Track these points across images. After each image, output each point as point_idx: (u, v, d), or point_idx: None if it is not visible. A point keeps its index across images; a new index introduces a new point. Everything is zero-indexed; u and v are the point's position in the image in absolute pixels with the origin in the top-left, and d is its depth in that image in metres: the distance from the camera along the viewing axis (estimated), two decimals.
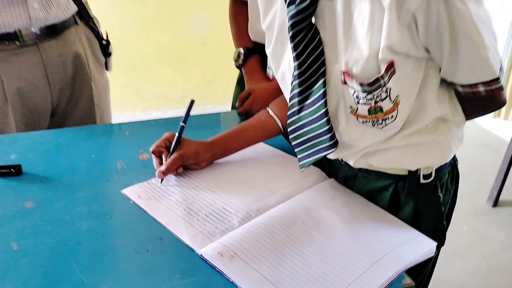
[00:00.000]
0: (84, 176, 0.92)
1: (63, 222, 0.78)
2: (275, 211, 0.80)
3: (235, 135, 0.95)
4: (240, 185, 0.89)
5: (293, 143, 0.80)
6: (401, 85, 0.68)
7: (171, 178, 0.91)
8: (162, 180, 0.89)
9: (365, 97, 0.69)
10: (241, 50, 1.24)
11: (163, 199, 0.85)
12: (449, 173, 0.86)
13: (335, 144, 0.74)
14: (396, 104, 0.70)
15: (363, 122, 0.73)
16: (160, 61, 2.93)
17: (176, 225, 0.78)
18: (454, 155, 0.87)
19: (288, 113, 0.78)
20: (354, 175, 0.89)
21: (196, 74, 3.02)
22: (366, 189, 0.87)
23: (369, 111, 0.71)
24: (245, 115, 1.19)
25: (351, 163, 0.85)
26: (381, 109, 0.70)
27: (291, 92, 0.77)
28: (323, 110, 0.72)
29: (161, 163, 0.90)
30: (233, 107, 1.39)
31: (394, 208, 0.84)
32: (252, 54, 1.23)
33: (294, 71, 0.74)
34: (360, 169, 0.87)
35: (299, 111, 0.76)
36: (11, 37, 1.08)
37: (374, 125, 0.72)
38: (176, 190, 0.87)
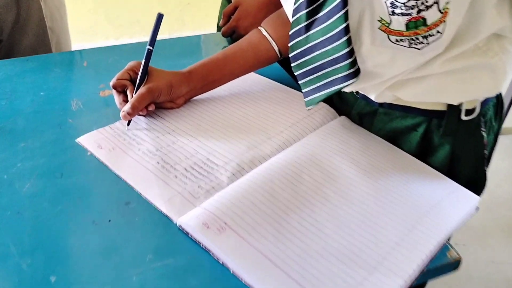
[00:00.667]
0: (29, 120, 0.72)
1: None
2: (274, 162, 0.62)
3: (219, 62, 0.75)
4: (227, 129, 0.70)
5: (296, 73, 0.61)
6: None
7: (140, 120, 0.72)
8: (129, 122, 0.70)
9: (405, 3, 0.48)
10: None
11: (130, 149, 0.66)
12: (494, 106, 0.68)
13: (355, 74, 0.54)
14: (444, 14, 0.49)
15: (396, 41, 0.53)
16: None
17: (146, 185, 0.60)
18: None
19: (291, 32, 0.58)
20: (372, 111, 0.70)
21: None
22: (388, 129, 0.69)
23: (407, 25, 0.50)
24: (230, 35, 0.98)
25: (372, 96, 0.65)
26: (424, 22, 0.50)
27: (296, 2, 0.56)
28: (343, 26, 0.51)
29: (125, 101, 0.70)
30: (219, 28, 1.16)
31: (424, 153, 0.67)
32: None
33: None
34: (381, 104, 0.68)
35: (307, 28, 0.55)
36: None
37: (412, 45, 0.53)
38: (146, 137, 0.68)
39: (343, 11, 0.51)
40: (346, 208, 0.56)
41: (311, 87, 0.60)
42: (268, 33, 0.75)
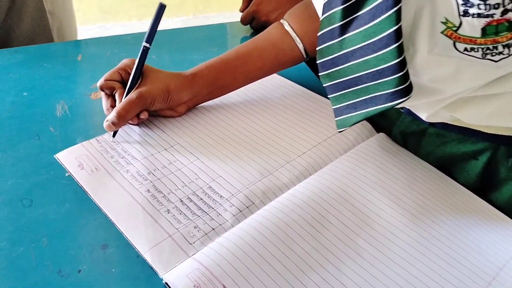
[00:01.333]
0: (5, 128, 0.61)
1: None
2: (292, 197, 0.49)
3: (230, 63, 0.61)
4: (237, 146, 0.57)
5: (325, 85, 0.47)
6: None
7: (132, 130, 0.59)
8: (114, 133, 0.58)
9: (486, 1, 0.33)
10: None
11: (116, 171, 0.53)
12: None
13: (406, 91, 0.40)
14: None
15: (465, 50, 0.38)
16: None
17: (131, 221, 0.47)
18: None
19: (321, 33, 0.44)
20: (420, 130, 0.56)
21: None
22: (440, 154, 0.55)
23: (484, 29, 0.36)
24: (250, 22, 0.85)
25: (422, 115, 0.51)
26: (509, 26, 0.35)
27: None
28: (393, 28, 0.37)
29: (113, 106, 0.58)
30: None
31: (485, 187, 0.53)
32: None
33: None
34: (433, 124, 0.54)
35: (343, 29, 0.41)
36: None
37: (487, 55, 0.38)
38: (138, 154, 0.56)
39: (395, 8, 0.36)
40: (384, 268, 0.43)
41: (345, 104, 0.46)
42: (292, 28, 0.61)
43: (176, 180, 0.52)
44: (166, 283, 0.41)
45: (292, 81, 0.70)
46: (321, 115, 0.62)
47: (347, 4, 0.40)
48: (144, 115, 0.58)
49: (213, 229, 0.46)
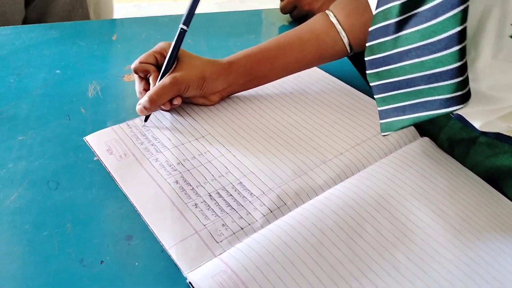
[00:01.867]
0: (36, 106, 0.60)
1: None
2: (327, 200, 0.46)
3: (269, 53, 0.58)
4: (271, 141, 0.54)
5: (373, 84, 0.43)
6: None
7: (164, 117, 0.58)
8: (146, 118, 0.56)
9: None
10: None
11: (146, 158, 0.52)
12: None
13: (464, 98, 0.36)
14: None
15: None
16: None
17: (157, 214, 0.45)
18: None
19: (373, 28, 0.40)
20: (470, 138, 0.52)
21: None
22: (490, 165, 0.51)
23: None
24: (291, 12, 0.81)
25: (476, 124, 0.47)
26: None
27: None
28: (457, 29, 0.33)
29: (146, 90, 0.56)
30: None
31: None
32: None
33: None
34: (485, 133, 0.50)
35: (400, 26, 0.37)
36: None
37: None
38: (169, 142, 0.54)
39: (462, 7, 0.32)
40: (421, 285, 0.40)
41: (392, 106, 0.42)
42: (337, 19, 0.58)
43: (206, 173, 0.50)
44: (190, 283, 0.40)
45: (333, 75, 0.67)
46: (362, 113, 0.59)
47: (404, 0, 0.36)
48: (177, 101, 0.56)
49: (242, 228, 0.44)
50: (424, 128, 0.57)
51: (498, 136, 0.49)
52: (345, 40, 0.58)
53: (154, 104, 0.53)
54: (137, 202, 0.47)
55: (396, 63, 0.39)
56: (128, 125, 0.56)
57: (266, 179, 0.49)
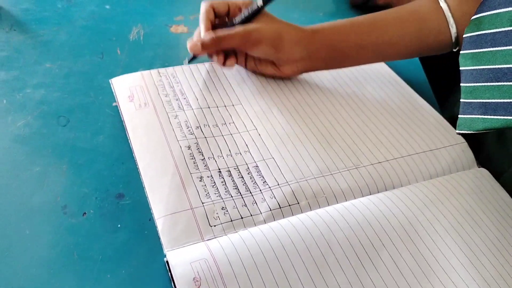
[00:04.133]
0: (74, 36, 0.57)
1: None
2: (346, 213, 0.39)
3: (360, 28, 0.50)
4: (304, 130, 0.48)
5: (465, 67, 0.35)
6: None
7: (199, 73, 0.52)
8: (192, 58, 0.51)
9: None
10: None
11: (165, 113, 0.47)
12: None
13: None
14: None
15: None
16: None
17: (158, 178, 0.41)
18: None
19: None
20: None
21: None
22: None
23: None
24: (363, 5, 0.73)
25: None
26: None
27: None
28: None
29: (209, 29, 0.49)
30: None
31: None
32: None
33: None
34: None
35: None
36: None
37: None
38: (194, 102, 0.49)
39: None
40: None
41: (481, 101, 0.34)
42: (447, 4, 0.49)
43: (223, 145, 0.45)
44: (167, 262, 0.35)
45: (398, 74, 0.59)
46: (419, 124, 0.50)
47: None
48: (230, 62, 0.50)
49: (242, 217, 0.39)
50: (491, 158, 0.48)
51: None
52: (453, 29, 0.49)
53: (214, 44, 0.47)
54: (140, 160, 0.43)
55: (507, 45, 0.31)
56: (159, 72, 0.52)
57: (286, 170, 0.43)
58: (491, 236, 0.41)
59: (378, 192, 0.43)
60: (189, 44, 0.49)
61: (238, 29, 0.47)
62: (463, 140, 0.49)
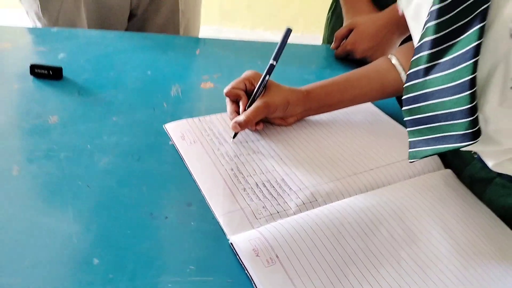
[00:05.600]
0: (129, 96, 0.74)
1: (81, 152, 0.61)
2: (352, 203, 0.55)
3: (340, 86, 0.70)
4: (315, 154, 0.64)
5: (406, 118, 0.53)
6: None
7: (246, 135, 0.67)
8: (235, 134, 0.66)
9: None
10: None
11: (209, 147, 0.64)
12: None
13: (474, 136, 0.45)
14: None
15: None
16: None
17: (213, 190, 0.57)
18: None
19: (409, 72, 0.50)
20: (488, 178, 0.59)
21: None
22: (503, 204, 0.58)
23: None
24: (345, 57, 0.92)
25: (489, 163, 0.55)
26: None
27: (420, 39, 0.48)
28: (468, 78, 0.43)
29: (237, 111, 0.67)
30: (324, 40, 1.10)
31: None
32: None
33: (434, 3, 0.45)
34: (500, 175, 0.57)
35: (427, 71, 0.47)
36: None
37: None
38: (229, 139, 0.66)
39: (473, 60, 0.42)
40: (420, 282, 0.48)
41: (420, 138, 0.52)
42: (399, 62, 0.68)
43: (256, 167, 0.61)
44: (231, 243, 0.50)
45: (377, 107, 0.76)
46: (396, 140, 0.68)
47: (434, 50, 0.46)
48: (260, 126, 0.67)
49: (278, 212, 0.54)
50: (452, 163, 0.65)
51: (511, 179, 0.56)
52: (404, 78, 0.67)
53: (249, 123, 0.64)
54: (198, 179, 0.58)
55: (423, 102, 0.49)
56: (199, 119, 0.69)
57: (304, 179, 0.59)
58: (461, 217, 0.56)
59: (373, 189, 0.59)
60: (232, 126, 0.65)
61: (259, 103, 0.65)
62: None
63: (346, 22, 0.92)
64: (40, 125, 0.66)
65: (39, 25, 1.06)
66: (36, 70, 0.75)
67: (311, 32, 2.77)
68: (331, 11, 1.05)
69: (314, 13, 2.72)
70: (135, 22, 1.13)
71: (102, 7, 1.04)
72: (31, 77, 0.76)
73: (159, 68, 0.83)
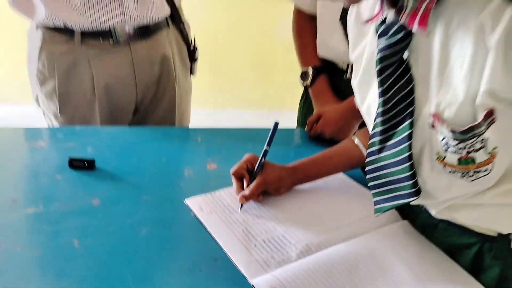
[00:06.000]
0: (152, 179, 0.93)
1: (125, 225, 0.79)
2: (337, 249, 0.74)
3: (319, 162, 0.91)
4: (305, 215, 0.84)
5: (370, 184, 0.74)
6: (501, 136, 0.59)
7: (249, 204, 0.87)
8: (242, 205, 0.85)
9: (456, 145, 0.61)
10: (309, 69, 1.18)
11: (224, 216, 0.82)
12: None
13: (417, 193, 0.67)
14: (492, 156, 0.61)
15: (450, 171, 0.64)
16: (244, 63, 2.99)
17: (232, 248, 0.75)
18: None
19: (368, 151, 0.72)
20: (434, 224, 0.80)
21: (277, 78, 3.03)
22: (447, 243, 0.78)
23: (459, 160, 0.62)
24: (316, 138, 1.14)
25: (432, 212, 0.76)
26: (473, 161, 0.61)
27: (372, 129, 0.70)
28: (407, 154, 0.65)
29: (241, 187, 0.87)
30: (299, 124, 1.34)
31: (476, 270, 0.74)
32: (320, 74, 1.17)
33: (378, 107, 0.67)
34: (442, 220, 0.78)
35: (379, 151, 0.69)
36: (106, 35, 1.13)
37: (464, 176, 0.64)
38: (237, 209, 0.85)
39: (408, 142, 0.64)
40: None
41: (381, 198, 0.72)
42: (361, 142, 0.91)
43: (261, 228, 0.80)
44: (253, 286, 0.67)
45: (348, 175, 0.98)
46: (364, 201, 0.88)
47: (383, 136, 0.68)
48: (260, 198, 0.87)
49: (283, 260, 0.73)
50: (407, 214, 0.85)
51: (450, 223, 0.77)
52: (366, 155, 0.89)
53: (251, 196, 0.84)
54: (219, 240, 0.76)
55: (380, 171, 0.70)
56: (211, 195, 0.88)
57: (299, 234, 0.78)
58: (418, 253, 0.76)
59: (351, 239, 0.78)
60: (239, 199, 0.84)
61: (259, 180, 0.85)
62: None
63: (315, 111, 1.16)
64: (87, 207, 0.83)
65: (55, 123, 1.25)
66: (74, 163, 0.93)
67: (278, 108, 3.07)
68: (302, 101, 1.30)
69: (279, 93, 3.06)
70: (138, 116, 1.33)
71: (113, 104, 1.25)
72: (69, 168, 0.94)
73: (172, 154, 1.03)
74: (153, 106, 1.32)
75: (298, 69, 1.24)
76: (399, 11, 0.60)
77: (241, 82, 3.05)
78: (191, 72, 1.39)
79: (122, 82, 1.21)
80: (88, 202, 0.84)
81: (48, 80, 1.18)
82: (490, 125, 0.58)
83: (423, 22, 0.58)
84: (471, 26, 0.55)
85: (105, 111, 1.24)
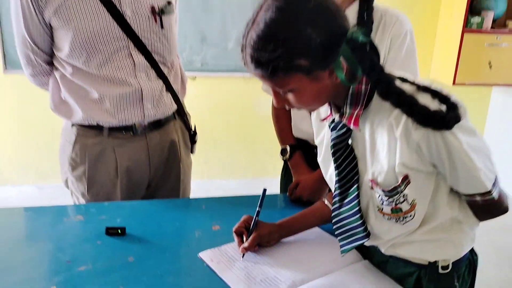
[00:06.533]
0: (171, 239, 1.19)
1: (155, 275, 1.04)
2: (316, 283, 1.01)
3: (299, 219, 1.19)
4: (290, 259, 1.11)
5: (336, 232, 1.02)
6: (416, 192, 0.89)
7: (248, 254, 1.13)
8: (243, 255, 1.11)
9: (387, 200, 0.90)
10: (287, 147, 1.50)
11: (229, 264, 1.09)
12: (467, 266, 1.02)
13: (368, 235, 0.95)
14: (413, 206, 0.90)
15: (388, 218, 0.94)
16: (228, 136, 3.32)
17: (238, 286, 1.01)
18: (473, 250, 1.04)
19: (332, 208, 1.01)
20: (386, 260, 1.07)
21: (259, 148, 3.34)
22: (396, 273, 1.05)
23: (391, 210, 0.92)
24: (296, 201, 1.43)
25: (382, 250, 1.04)
26: (400, 210, 0.91)
27: (333, 193, 1.00)
28: (357, 208, 0.94)
29: (241, 241, 1.14)
30: (281, 190, 1.65)
31: None
32: (296, 150, 1.49)
33: (335, 177, 0.97)
34: (390, 256, 1.06)
35: (340, 207, 0.98)
36: (128, 129, 1.43)
37: (397, 221, 0.93)
38: (239, 258, 1.11)
39: (357, 200, 0.94)
40: None
41: (344, 241, 1.01)
42: (329, 202, 1.19)
43: (259, 271, 1.06)
44: None
45: (323, 229, 1.26)
46: (333, 246, 1.15)
47: (340, 197, 0.97)
48: (256, 248, 1.13)
49: None
50: (367, 254, 1.13)
51: (397, 258, 1.04)
52: None
53: (250, 248, 1.11)
54: (229, 283, 1.02)
55: (342, 222, 0.99)
56: (218, 249, 1.15)
57: (287, 274, 1.05)
58: (375, 282, 1.02)
59: (326, 275, 1.04)
60: (240, 251, 1.11)
61: (254, 235, 1.12)
62: (354, 249, 1.14)
63: (294, 179, 1.46)
64: (125, 264, 1.08)
65: (82, 201, 1.52)
66: (109, 231, 1.20)
67: (260, 176, 3.36)
68: (283, 172, 1.61)
69: (261, 161, 3.36)
70: (150, 190, 1.61)
71: (131, 182, 1.52)
72: (106, 235, 1.19)
73: (183, 220, 1.30)
74: (162, 182, 1.60)
75: (277, 141, 1.54)
76: (341, 115, 0.92)
77: (226, 153, 3.36)
78: (191, 151, 1.69)
79: (139, 164, 1.49)
80: (125, 259, 1.09)
81: (79, 166, 1.46)
82: (407, 185, 0.88)
83: (356, 123, 0.89)
84: (385, 125, 0.87)
85: (124, 188, 1.51)
